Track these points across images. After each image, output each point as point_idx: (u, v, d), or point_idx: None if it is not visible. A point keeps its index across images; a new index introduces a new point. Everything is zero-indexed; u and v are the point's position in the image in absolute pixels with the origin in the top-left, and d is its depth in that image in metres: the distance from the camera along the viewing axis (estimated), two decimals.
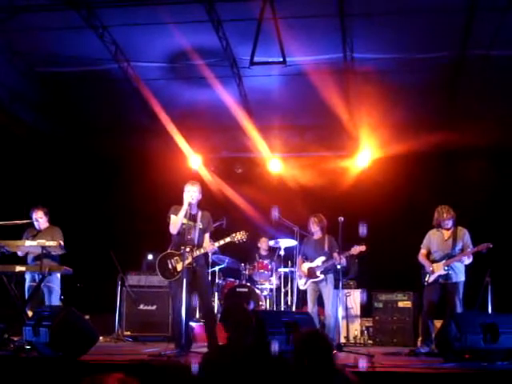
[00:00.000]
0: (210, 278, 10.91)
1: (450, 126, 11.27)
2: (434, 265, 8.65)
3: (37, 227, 9.21)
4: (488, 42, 9.65)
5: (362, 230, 11.14)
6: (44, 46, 10.16)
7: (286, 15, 8.83)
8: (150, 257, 11.61)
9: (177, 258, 7.95)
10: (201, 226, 8.08)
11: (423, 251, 8.92)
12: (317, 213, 9.87)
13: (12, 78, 11.09)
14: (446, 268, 8.54)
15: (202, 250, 8.00)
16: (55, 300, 9.00)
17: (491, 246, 8.40)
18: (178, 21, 9.19)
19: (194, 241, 7.94)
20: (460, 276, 8.60)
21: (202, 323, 10.56)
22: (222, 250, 10.64)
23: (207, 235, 8.20)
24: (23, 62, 10.71)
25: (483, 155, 11.61)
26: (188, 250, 7.82)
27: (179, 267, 7.85)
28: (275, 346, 6.49)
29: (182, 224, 7.98)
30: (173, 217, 8.06)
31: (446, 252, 8.66)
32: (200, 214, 8.14)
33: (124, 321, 10.72)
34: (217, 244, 8.09)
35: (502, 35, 9.38)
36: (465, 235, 8.71)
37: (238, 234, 8.09)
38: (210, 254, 10.56)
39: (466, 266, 8.64)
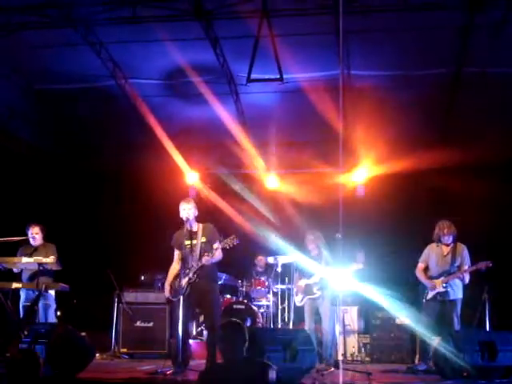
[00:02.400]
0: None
1: (448, 142, 11.30)
2: (435, 281, 8.63)
3: (32, 243, 9.16)
4: (484, 59, 9.70)
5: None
6: (42, 63, 10.19)
7: (283, 33, 8.87)
8: (142, 278, 11.58)
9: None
10: (204, 240, 7.99)
11: (421, 265, 8.90)
12: (313, 229, 9.87)
13: (10, 95, 11.11)
14: (445, 285, 8.52)
15: (199, 263, 7.89)
16: (51, 317, 8.97)
17: (490, 264, 8.38)
18: (176, 38, 9.23)
19: (198, 257, 7.90)
20: (458, 293, 8.57)
21: (200, 340, 10.56)
22: (219, 267, 10.60)
23: (216, 246, 8.00)
24: (21, 79, 10.74)
25: (481, 172, 11.63)
26: (190, 266, 7.77)
27: (183, 283, 7.77)
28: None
29: (186, 245, 7.91)
30: (175, 253, 8.06)
31: (444, 268, 8.64)
32: (201, 227, 8.07)
33: (120, 338, 10.66)
34: (210, 254, 7.96)
35: (497, 52, 9.43)
36: (463, 251, 8.69)
37: (228, 239, 7.97)
38: None
39: (463, 283, 8.63)
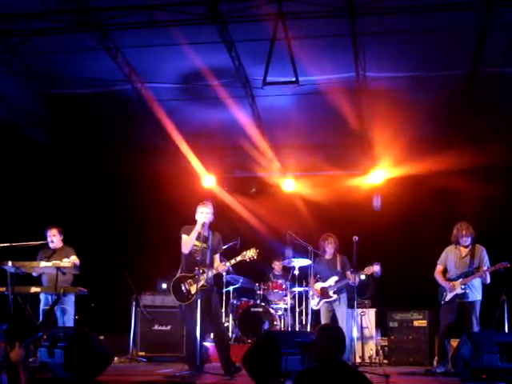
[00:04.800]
0: (223, 298, 10.90)
1: (464, 143, 11.24)
2: (454, 282, 8.59)
3: (51, 246, 9.24)
4: (501, 59, 9.64)
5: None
6: (58, 67, 10.23)
7: (299, 35, 8.85)
8: (164, 285, 11.60)
9: (190, 280, 7.86)
10: (210, 247, 8.05)
11: (440, 267, 8.88)
12: (330, 232, 9.87)
13: (27, 100, 11.18)
14: (463, 287, 8.48)
15: (214, 271, 7.97)
16: (69, 321, 9.00)
17: (509, 265, 8.35)
18: (191, 42, 9.24)
19: (205, 262, 7.91)
20: (477, 295, 8.54)
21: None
22: (237, 269, 10.63)
23: (217, 256, 8.16)
24: (38, 84, 10.78)
25: (498, 173, 11.57)
26: (201, 271, 7.80)
27: (193, 290, 7.79)
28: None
29: (194, 245, 7.96)
30: (184, 236, 8.03)
31: (462, 270, 8.61)
32: (211, 235, 8.12)
33: (138, 341, 10.71)
34: (228, 264, 8.05)
35: None
36: (482, 253, 8.66)
37: (248, 251, 8.01)
38: (224, 274, 10.56)
39: (482, 284, 8.58)
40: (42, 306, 9.08)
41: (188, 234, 8.03)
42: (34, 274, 9.00)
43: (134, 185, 12.77)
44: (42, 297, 9.07)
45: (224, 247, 8.55)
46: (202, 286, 7.79)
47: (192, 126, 11.55)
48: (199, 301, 7.59)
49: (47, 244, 9.24)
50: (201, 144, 11.78)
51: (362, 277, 9.66)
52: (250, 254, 7.99)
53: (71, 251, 9.27)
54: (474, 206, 11.11)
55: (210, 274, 7.88)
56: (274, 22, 8.45)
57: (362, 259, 9.23)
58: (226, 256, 8.37)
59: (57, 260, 8.73)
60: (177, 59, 9.90)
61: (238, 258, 8.02)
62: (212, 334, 10.84)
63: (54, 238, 9.28)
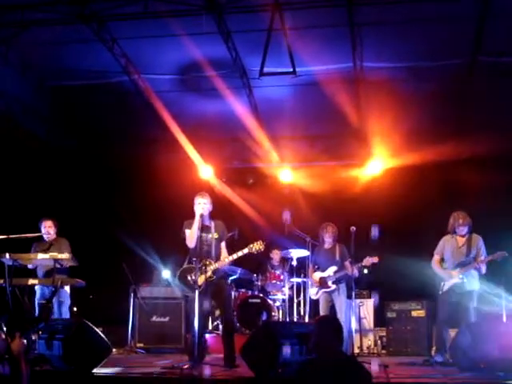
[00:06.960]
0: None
1: (462, 134, 11.22)
2: (451, 272, 8.58)
3: (46, 238, 9.19)
4: (499, 49, 9.62)
5: (374, 232, 11.14)
6: (55, 59, 10.21)
7: (296, 25, 8.83)
8: (164, 273, 11.59)
9: (195, 271, 7.84)
10: (216, 236, 8.01)
11: (437, 257, 8.85)
12: (328, 222, 9.86)
13: (24, 92, 11.15)
14: (461, 276, 8.48)
15: (218, 265, 7.90)
16: (65, 313, 8.99)
17: (506, 254, 8.34)
18: (188, 32, 9.20)
19: (210, 252, 7.88)
20: (474, 284, 8.53)
21: (216, 334, 10.58)
22: (235, 260, 10.61)
23: (223, 244, 8.14)
24: (35, 76, 10.76)
25: (497, 163, 11.55)
26: (207, 263, 7.77)
27: (200, 280, 7.77)
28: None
29: (197, 237, 7.93)
30: (187, 231, 8.01)
31: (459, 260, 8.59)
32: (213, 224, 8.09)
33: (137, 333, 10.72)
34: (235, 256, 8.00)
35: None
36: (479, 242, 8.62)
37: (255, 244, 7.97)
38: None
39: (479, 274, 8.58)
40: (37, 299, 9.06)
41: (190, 228, 8.01)
42: (30, 266, 8.97)
43: (132, 176, 12.75)
44: (38, 289, 9.04)
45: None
46: (209, 277, 7.78)
47: (189, 117, 11.53)
48: (197, 292, 7.57)
49: (41, 237, 9.19)
50: (198, 135, 11.74)
51: (365, 271, 9.63)
52: (257, 246, 7.95)
53: (65, 243, 9.23)
54: (472, 195, 11.11)
55: (217, 265, 7.85)
56: (270, 12, 8.42)
57: (360, 250, 9.23)
58: (225, 247, 8.32)
59: (53, 252, 8.69)
60: (173, 50, 9.88)
61: (245, 251, 7.98)
62: (214, 325, 10.94)
63: (51, 230, 9.25)
